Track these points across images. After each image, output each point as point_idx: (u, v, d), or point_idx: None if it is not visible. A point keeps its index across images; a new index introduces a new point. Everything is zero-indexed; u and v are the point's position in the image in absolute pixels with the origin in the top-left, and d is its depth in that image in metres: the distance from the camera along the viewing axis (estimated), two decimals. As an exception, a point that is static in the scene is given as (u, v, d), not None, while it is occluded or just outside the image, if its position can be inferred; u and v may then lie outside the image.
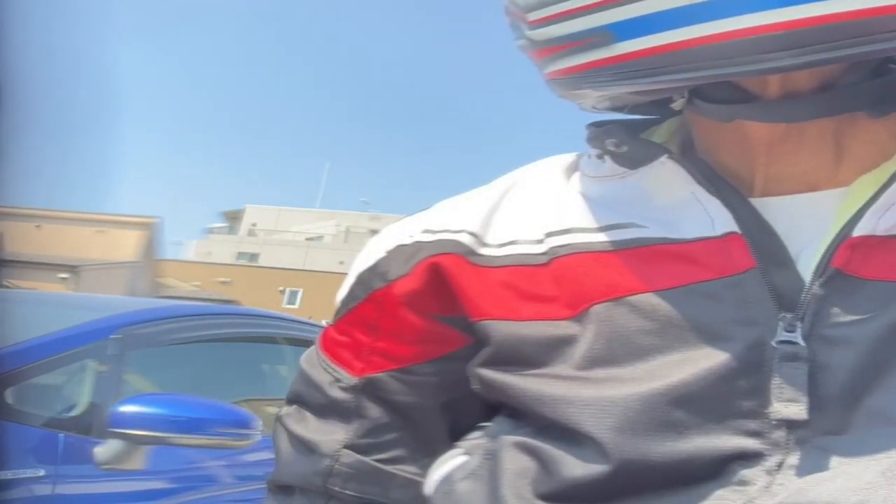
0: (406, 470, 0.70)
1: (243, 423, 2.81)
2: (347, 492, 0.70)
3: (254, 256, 39.01)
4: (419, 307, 0.67)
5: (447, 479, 0.65)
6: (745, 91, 0.59)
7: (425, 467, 0.69)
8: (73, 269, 18.72)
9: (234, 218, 45.11)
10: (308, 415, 0.73)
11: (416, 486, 0.69)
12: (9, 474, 2.33)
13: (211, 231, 44.33)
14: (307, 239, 40.08)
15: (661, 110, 0.69)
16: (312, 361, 0.74)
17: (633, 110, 0.70)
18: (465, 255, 0.66)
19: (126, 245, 23.25)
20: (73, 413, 2.58)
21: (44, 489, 2.39)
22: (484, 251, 0.66)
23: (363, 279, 0.71)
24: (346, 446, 0.70)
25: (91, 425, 2.54)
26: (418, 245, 0.68)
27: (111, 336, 2.73)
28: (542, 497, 0.58)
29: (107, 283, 19.03)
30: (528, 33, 0.62)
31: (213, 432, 2.68)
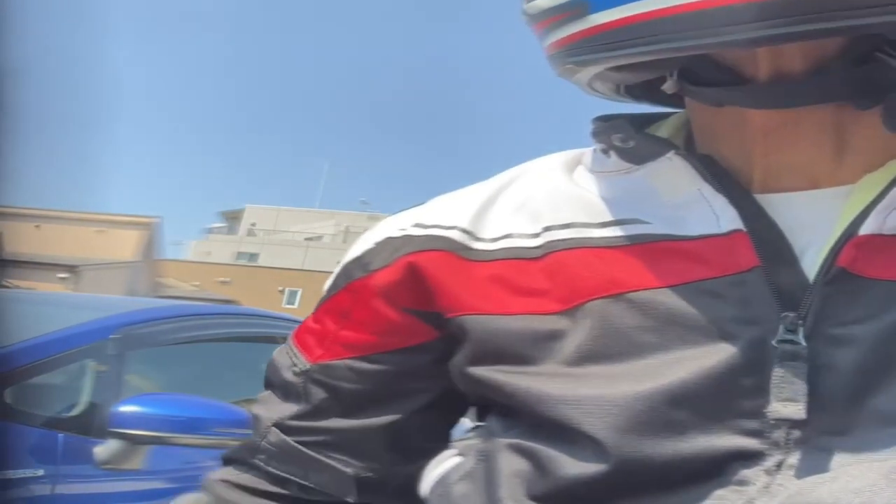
0: (330, 455, 0.70)
1: (243, 423, 2.80)
2: (270, 468, 0.71)
3: (253, 256, 39.00)
4: (394, 299, 0.67)
5: (443, 481, 0.64)
6: (736, 75, 0.59)
7: (351, 455, 0.69)
8: (72, 268, 18.70)
9: (233, 218, 45.08)
10: (269, 395, 0.74)
11: (335, 471, 0.69)
12: (8, 474, 2.33)
13: (210, 231, 44.31)
14: (306, 239, 40.04)
15: (670, 101, 0.69)
16: (282, 347, 0.75)
17: (640, 98, 0.69)
18: (454, 250, 0.65)
19: (126, 245, 23.23)
20: (73, 413, 2.58)
21: (43, 489, 2.39)
22: (477, 246, 0.65)
23: (347, 269, 0.71)
24: (275, 424, 0.71)
25: (91, 425, 2.54)
26: (407, 238, 0.68)
27: (111, 336, 2.72)
28: (538, 498, 0.57)
29: (106, 283, 19.02)
30: (524, 6, 0.62)
31: (212, 432, 2.68)
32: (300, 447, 0.70)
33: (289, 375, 0.71)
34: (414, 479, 0.72)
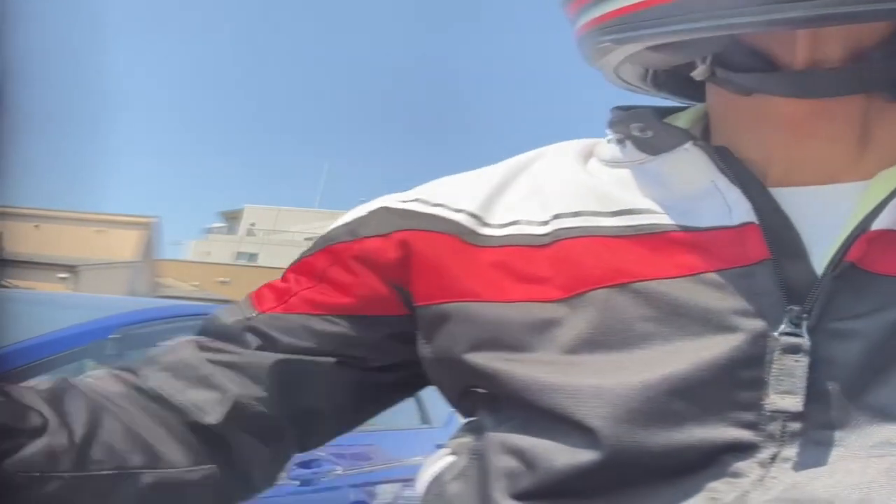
0: (224, 373, 0.66)
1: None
2: (151, 378, 0.66)
3: (253, 256, 38.98)
4: (380, 268, 0.65)
5: (437, 480, 0.64)
6: (770, 62, 0.58)
7: (245, 377, 0.66)
8: (71, 268, 18.69)
9: (232, 218, 45.06)
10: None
11: (217, 390, 0.65)
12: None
13: (210, 231, 44.29)
14: (306, 239, 39.88)
15: (687, 90, 0.68)
16: (229, 305, 0.72)
17: (661, 88, 0.69)
18: (459, 234, 0.64)
19: (125, 245, 23.22)
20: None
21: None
22: (484, 231, 0.64)
23: (329, 235, 0.69)
24: (193, 340, 0.68)
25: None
26: (407, 213, 0.66)
27: (110, 336, 2.73)
28: (532, 494, 0.57)
29: (106, 283, 19.01)
30: None
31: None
32: (207, 361, 0.66)
33: (227, 320, 0.69)
34: (291, 439, 0.69)
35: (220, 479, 0.65)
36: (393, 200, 0.68)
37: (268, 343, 0.67)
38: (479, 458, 0.61)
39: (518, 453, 0.58)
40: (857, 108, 0.59)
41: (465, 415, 0.67)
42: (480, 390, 0.63)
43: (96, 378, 0.67)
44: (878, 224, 0.55)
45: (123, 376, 0.67)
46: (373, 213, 0.68)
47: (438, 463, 0.65)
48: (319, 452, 3.66)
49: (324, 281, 0.68)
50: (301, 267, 0.70)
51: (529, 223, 0.63)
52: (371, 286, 0.66)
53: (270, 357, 0.67)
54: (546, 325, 0.59)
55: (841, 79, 0.57)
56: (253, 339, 0.67)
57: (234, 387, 0.65)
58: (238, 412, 0.65)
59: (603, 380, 0.56)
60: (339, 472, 3.70)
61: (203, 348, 0.68)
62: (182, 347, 0.68)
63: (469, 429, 0.65)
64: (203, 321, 0.71)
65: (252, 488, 0.69)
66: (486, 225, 0.64)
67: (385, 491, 3.97)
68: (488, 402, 0.63)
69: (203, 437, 0.65)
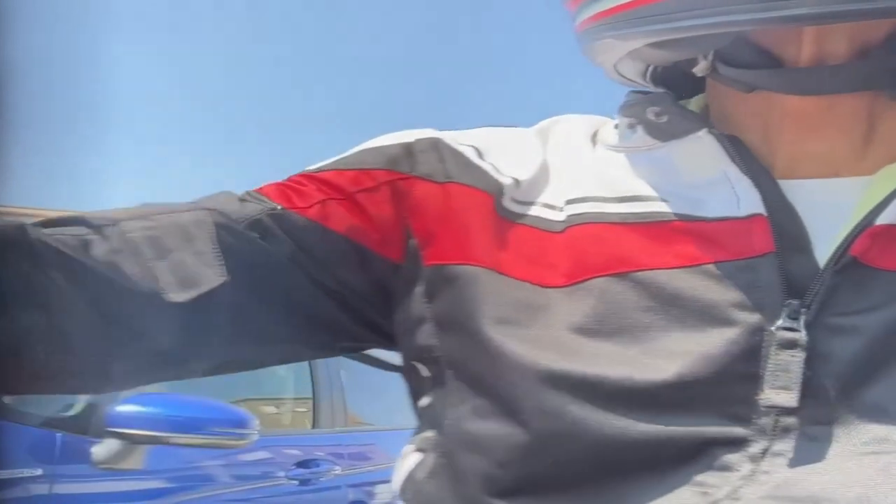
0: (225, 260, 0.60)
1: (241, 423, 2.82)
2: (132, 234, 0.59)
3: (252, 256, 38.91)
4: (416, 214, 0.63)
5: (411, 479, 0.62)
6: (774, 58, 0.58)
7: (232, 275, 0.60)
8: (70, 268, 18.66)
9: (232, 218, 45.07)
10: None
11: (204, 270, 0.60)
12: (6, 473, 2.33)
13: (209, 231, 44.26)
14: (305, 239, 39.89)
15: (687, 86, 0.68)
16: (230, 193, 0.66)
17: (658, 84, 0.69)
18: (496, 198, 0.62)
19: (124, 244, 23.17)
20: (71, 412, 2.58)
21: (41, 488, 2.39)
22: (512, 205, 0.62)
23: (367, 158, 0.65)
24: (214, 209, 0.62)
25: (88, 425, 2.54)
26: (462, 159, 0.64)
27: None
28: (509, 490, 0.55)
29: (105, 282, 18.97)
30: None
31: (210, 432, 2.68)
32: (211, 237, 0.61)
33: (247, 205, 0.63)
34: (190, 349, 0.62)
35: (77, 368, 0.59)
36: (449, 137, 0.66)
37: (273, 242, 0.63)
38: (447, 457, 0.59)
39: (489, 447, 0.57)
40: (863, 104, 0.58)
41: (419, 387, 0.65)
42: (461, 369, 0.61)
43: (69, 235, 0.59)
44: (882, 219, 0.55)
45: (92, 236, 0.59)
46: (427, 146, 0.65)
47: (408, 460, 0.63)
48: (318, 452, 3.67)
49: (351, 199, 0.64)
50: (328, 177, 0.65)
51: (550, 207, 0.62)
52: (396, 224, 0.63)
53: (274, 255, 0.63)
54: (542, 310, 0.58)
55: (846, 76, 0.57)
56: (258, 232, 0.62)
57: (222, 275, 0.60)
58: (201, 302, 0.60)
59: (594, 369, 0.55)
60: (337, 471, 3.70)
61: (217, 225, 0.62)
62: (196, 214, 0.62)
63: (429, 423, 0.63)
64: (218, 196, 0.65)
65: (103, 383, 0.65)
66: (515, 199, 0.63)
67: (384, 491, 3.97)
68: (463, 379, 0.60)
69: (120, 315, 0.58)
